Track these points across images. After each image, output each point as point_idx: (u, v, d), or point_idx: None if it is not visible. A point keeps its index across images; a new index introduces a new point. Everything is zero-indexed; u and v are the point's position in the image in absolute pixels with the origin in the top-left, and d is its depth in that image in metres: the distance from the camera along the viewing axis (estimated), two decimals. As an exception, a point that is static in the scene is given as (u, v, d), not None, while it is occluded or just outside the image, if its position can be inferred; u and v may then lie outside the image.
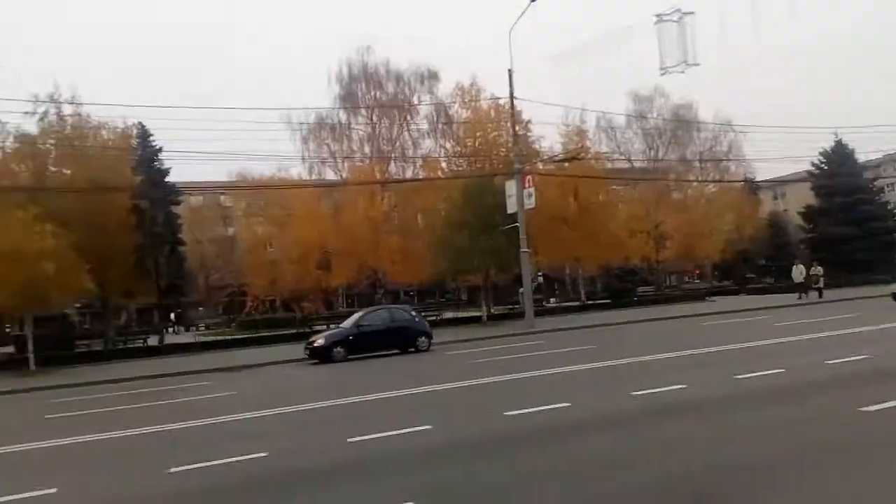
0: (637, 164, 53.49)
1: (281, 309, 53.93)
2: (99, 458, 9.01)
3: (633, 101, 52.46)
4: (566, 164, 36.97)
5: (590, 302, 43.12)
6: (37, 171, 28.82)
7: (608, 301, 42.63)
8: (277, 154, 74.19)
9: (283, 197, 46.26)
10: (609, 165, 48.94)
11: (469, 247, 31.07)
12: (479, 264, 33.17)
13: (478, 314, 35.98)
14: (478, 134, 40.59)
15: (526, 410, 9.29)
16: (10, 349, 31.87)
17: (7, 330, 41.48)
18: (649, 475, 6.14)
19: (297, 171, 46.75)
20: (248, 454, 7.91)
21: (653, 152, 54.42)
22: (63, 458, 9.07)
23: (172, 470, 7.45)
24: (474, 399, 11.50)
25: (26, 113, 28.28)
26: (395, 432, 8.52)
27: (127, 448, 9.47)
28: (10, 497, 6.86)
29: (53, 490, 7.05)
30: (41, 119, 29.09)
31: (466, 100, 41.18)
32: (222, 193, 57.93)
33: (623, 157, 53.17)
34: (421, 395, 12.17)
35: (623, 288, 47.61)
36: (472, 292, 55.52)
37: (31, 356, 25.35)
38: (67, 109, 29.71)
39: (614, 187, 48.18)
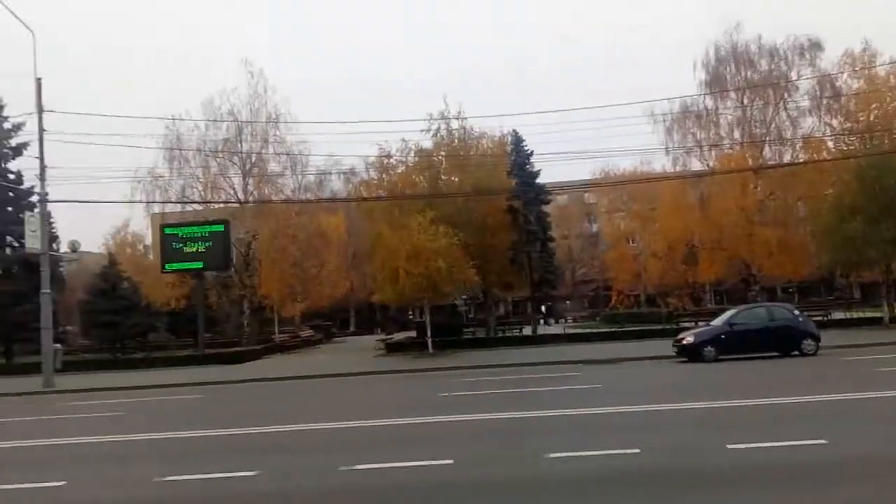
0: None
1: (645, 304, 53.67)
2: (483, 436, 9.91)
3: None
4: None
5: None
6: (431, 180, 33.34)
7: None
8: (640, 148, 74.16)
9: (647, 191, 45.95)
10: None
11: (863, 236, 27.01)
12: (878, 256, 28.57)
13: (876, 315, 31.16)
14: (873, 106, 35.05)
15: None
16: (412, 334, 37.43)
17: (410, 316, 48.79)
18: None
19: (661, 164, 45.95)
20: (620, 448, 8.02)
21: None
22: (453, 433, 10.19)
23: (550, 455, 7.86)
24: (883, 414, 9.91)
25: (422, 130, 33.31)
26: (780, 443, 7.82)
27: (507, 429, 10.30)
28: (414, 463, 7.95)
29: (450, 461, 7.93)
30: (434, 135, 33.66)
31: (857, 68, 35.69)
32: (586, 191, 59.74)
33: None
34: (809, 404, 10.91)
35: None
36: (868, 289, 48.26)
37: (429, 340, 29.48)
38: (454, 124, 33.88)
39: None
